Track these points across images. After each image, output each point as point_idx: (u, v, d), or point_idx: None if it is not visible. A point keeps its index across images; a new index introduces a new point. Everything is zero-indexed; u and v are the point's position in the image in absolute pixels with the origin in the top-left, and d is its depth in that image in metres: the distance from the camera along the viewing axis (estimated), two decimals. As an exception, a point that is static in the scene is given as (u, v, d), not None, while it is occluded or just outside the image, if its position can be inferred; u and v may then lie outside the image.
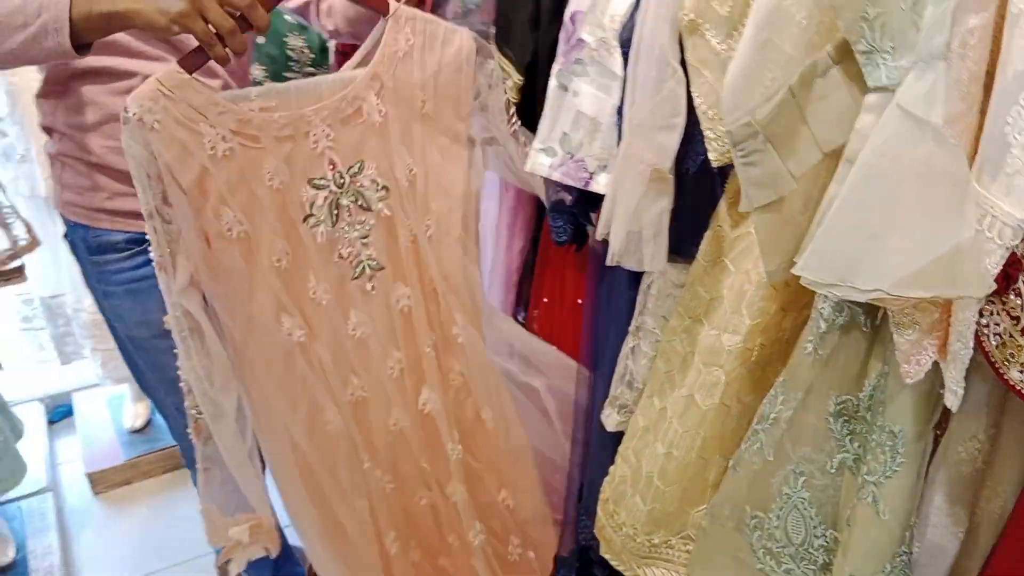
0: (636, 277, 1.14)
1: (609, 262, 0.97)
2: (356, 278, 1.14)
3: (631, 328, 1.14)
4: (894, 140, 0.64)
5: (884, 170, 0.64)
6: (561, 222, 1.15)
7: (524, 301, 1.63)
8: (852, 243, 0.66)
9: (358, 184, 1.10)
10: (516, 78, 1.16)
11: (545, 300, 1.43)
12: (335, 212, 1.09)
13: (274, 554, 1.18)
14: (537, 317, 1.48)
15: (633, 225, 0.92)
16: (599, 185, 1.07)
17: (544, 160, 1.07)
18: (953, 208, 0.60)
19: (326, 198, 1.08)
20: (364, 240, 1.12)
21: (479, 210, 1.23)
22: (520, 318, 1.64)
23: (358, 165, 1.09)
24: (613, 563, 1.16)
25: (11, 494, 2.00)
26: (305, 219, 1.07)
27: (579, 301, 1.35)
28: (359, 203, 1.10)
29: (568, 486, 1.37)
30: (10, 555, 1.89)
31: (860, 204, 0.67)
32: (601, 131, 1.05)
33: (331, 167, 1.07)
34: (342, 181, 1.09)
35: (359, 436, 1.20)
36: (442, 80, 1.11)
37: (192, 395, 1.06)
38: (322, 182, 1.07)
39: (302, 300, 1.11)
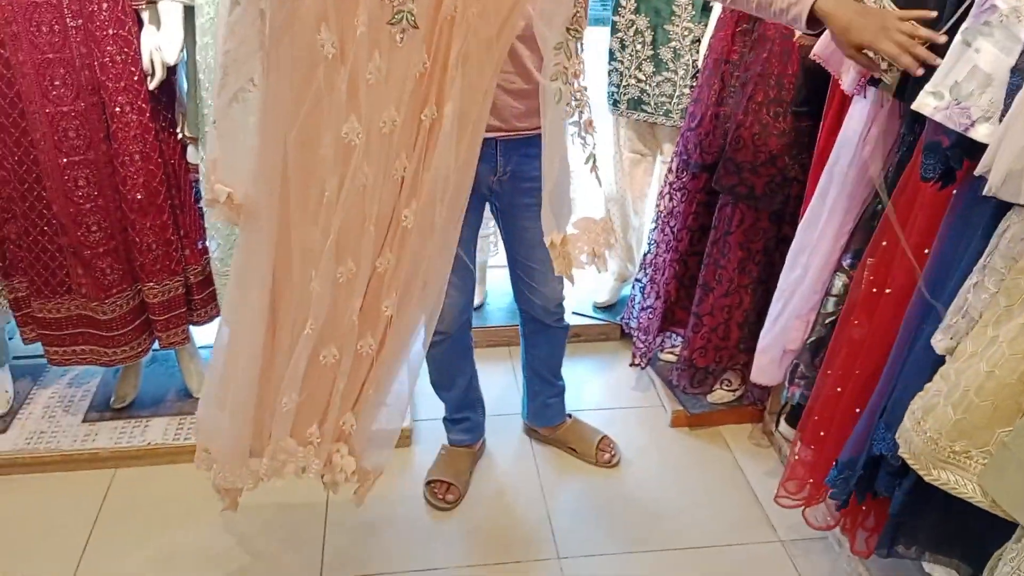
0: (991, 223, 1.29)
1: (985, 193, 1.14)
2: (392, 23, 1.18)
3: (977, 266, 1.29)
4: None
5: None
6: (932, 161, 1.32)
7: (854, 250, 1.80)
8: None
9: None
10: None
11: (884, 244, 1.59)
12: None
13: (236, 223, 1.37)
14: (871, 265, 1.63)
15: (1016, 164, 1.09)
16: (978, 134, 1.23)
17: (930, 101, 1.25)
18: None
19: None
20: None
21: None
22: (846, 263, 1.81)
23: None
24: (909, 462, 1.34)
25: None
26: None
27: (925, 251, 1.48)
28: None
29: (872, 400, 1.54)
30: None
31: None
32: (992, 86, 1.21)
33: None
34: None
35: (341, 175, 1.28)
36: None
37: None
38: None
39: (345, 22, 1.17)
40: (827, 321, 1.86)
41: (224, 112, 1.29)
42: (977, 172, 1.18)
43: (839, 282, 1.81)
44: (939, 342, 1.35)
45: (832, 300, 1.84)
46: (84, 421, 2.25)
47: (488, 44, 1.23)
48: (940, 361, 1.35)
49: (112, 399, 2.30)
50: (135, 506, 2.04)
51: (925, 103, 1.28)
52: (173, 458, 2.17)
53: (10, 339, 2.38)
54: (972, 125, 1.24)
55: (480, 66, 1.25)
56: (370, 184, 1.29)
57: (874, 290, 1.59)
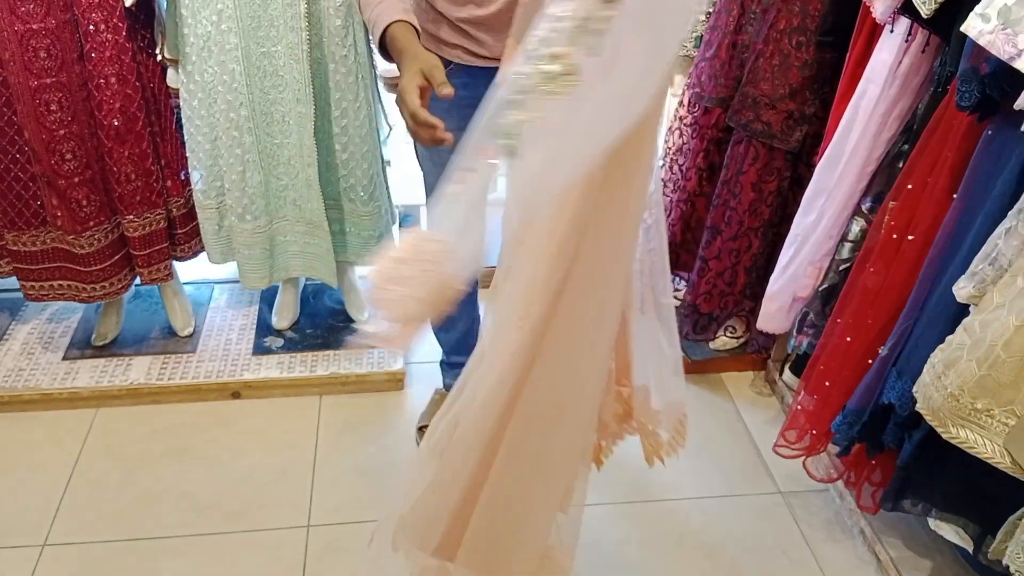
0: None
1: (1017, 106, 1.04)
2: None
3: (1013, 210, 1.20)
4: None
5: None
6: (968, 88, 1.22)
7: (875, 193, 1.70)
8: None
9: None
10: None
11: (910, 187, 1.49)
12: None
13: None
14: (894, 208, 1.53)
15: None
16: (1023, 64, 1.12)
17: (977, 24, 1.15)
18: None
19: None
20: None
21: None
22: (865, 207, 1.71)
23: None
24: (927, 418, 1.27)
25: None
26: None
27: (955, 196, 1.39)
28: None
29: (883, 351, 1.47)
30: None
31: None
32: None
33: None
34: None
35: None
36: None
37: None
38: None
39: None
40: (841, 268, 1.77)
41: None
42: (1017, 106, 1.08)
43: (856, 227, 1.72)
44: (961, 289, 1.26)
45: (848, 246, 1.74)
46: (64, 359, 2.17)
47: None
48: (961, 312, 1.27)
49: (93, 336, 2.22)
50: (117, 446, 1.98)
51: (972, 25, 1.17)
52: (156, 398, 2.10)
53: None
54: (1019, 55, 1.13)
55: None
56: None
57: (895, 236, 1.50)
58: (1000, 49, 1.15)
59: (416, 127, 1.19)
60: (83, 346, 2.21)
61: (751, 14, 1.88)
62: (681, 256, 2.28)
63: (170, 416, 2.07)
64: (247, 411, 2.10)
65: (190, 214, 2.11)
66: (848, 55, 1.69)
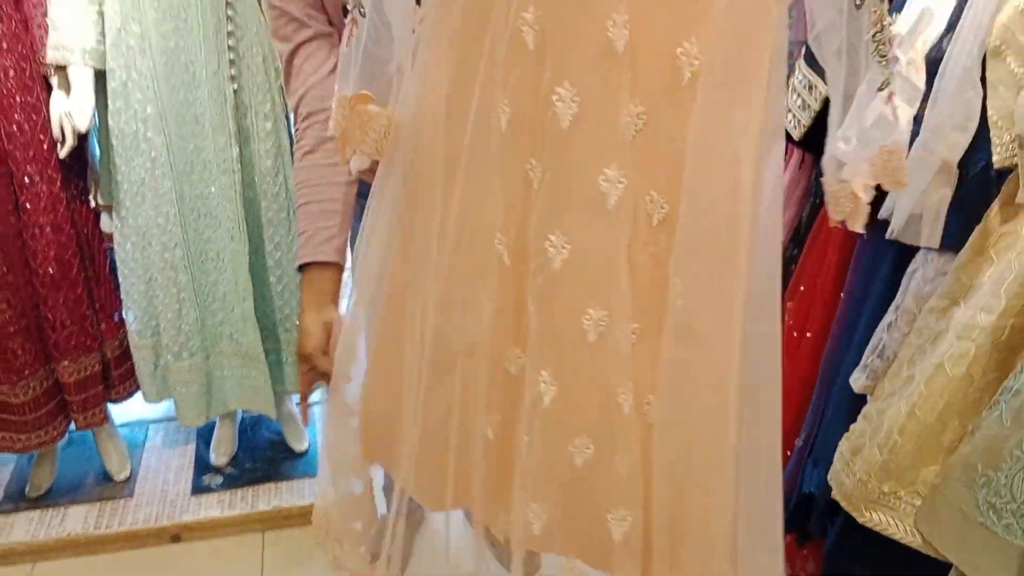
0: (900, 265, 1.33)
1: (888, 236, 1.18)
2: None
3: (891, 307, 1.33)
4: None
5: None
6: (843, 204, 1.36)
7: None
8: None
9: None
10: (823, 88, 1.39)
11: (802, 288, 1.63)
12: None
13: None
14: (790, 309, 1.67)
15: (916, 208, 1.13)
16: (883, 180, 1.27)
17: (840, 145, 1.30)
18: None
19: None
20: None
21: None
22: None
23: None
24: (842, 504, 1.35)
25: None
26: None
27: (843, 295, 1.53)
28: None
29: (799, 442, 1.56)
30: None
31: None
32: (896, 134, 1.26)
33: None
34: None
35: None
36: None
37: None
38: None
39: None
40: (756, 365, 1.88)
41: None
42: (880, 215, 1.22)
43: (764, 326, 1.85)
44: (856, 381, 1.37)
45: (759, 345, 1.86)
46: (-3, 512, 2.11)
47: None
48: (862, 400, 1.38)
49: (27, 487, 2.16)
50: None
51: (836, 146, 1.32)
52: (94, 548, 2.03)
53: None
54: (876, 172, 1.29)
55: None
56: None
57: (795, 334, 1.62)
58: (861, 167, 1.30)
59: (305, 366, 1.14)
60: (17, 498, 2.15)
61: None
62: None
63: (109, 566, 2.01)
64: (188, 554, 2.06)
65: (124, 355, 2.12)
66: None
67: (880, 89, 1.24)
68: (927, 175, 1.12)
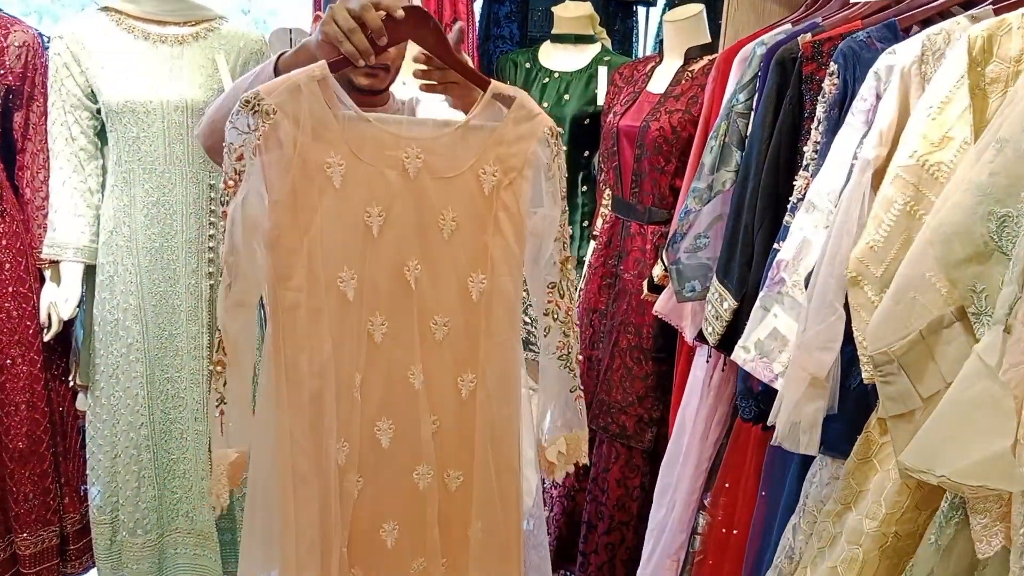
0: (802, 467, 1.41)
1: (773, 443, 1.27)
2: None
3: (796, 509, 1.39)
4: (969, 375, 0.93)
5: (960, 396, 0.93)
6: (747, 403, 1.46)
7: (712, 489, 1.89)
8: (935, 442, 0.94)
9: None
10: (732, 302, 1.53)
11: (727, 485, 1.70)
12: None
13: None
14: (722, 503, 1.73)
15: (794, 416, 1.23)
16: (780, 386, 1.38)
17: (742, 354, 1.42)
18: (999, 425, 0.86)
19: None
20: None
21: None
22: (707, 502, 1.90)
23: None
24: None
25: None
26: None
27: (762, 493, 1.59)
28: None
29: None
30: None
31: (944, 417, 0.94)
32: (788, 347, 1.38)
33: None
34: None
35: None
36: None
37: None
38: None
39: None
40: (697, 560, 1.90)
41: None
42: (768, 422, 1.32)
43: (703, 521, 1.88)
44: (771, 582, 1.41)
45: (699, 539, 1.89)
46: None
47: None
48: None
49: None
50: None
51: (738, 355, 1.44)
52: None
53: None
54: (776, 378, 1.39)
55: None
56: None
57: (724, 530, 1.67)
58: (761, 373, 1.41)
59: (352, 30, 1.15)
60: (-44, 677, 2.12)
61: (600, 334, 2.19)
62: (569, 549, 2.38)
63: None
64: None
65: (84, 530, 2.17)
66: (676, 369, 1.97)
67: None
68: (800, 388, 1.22)
